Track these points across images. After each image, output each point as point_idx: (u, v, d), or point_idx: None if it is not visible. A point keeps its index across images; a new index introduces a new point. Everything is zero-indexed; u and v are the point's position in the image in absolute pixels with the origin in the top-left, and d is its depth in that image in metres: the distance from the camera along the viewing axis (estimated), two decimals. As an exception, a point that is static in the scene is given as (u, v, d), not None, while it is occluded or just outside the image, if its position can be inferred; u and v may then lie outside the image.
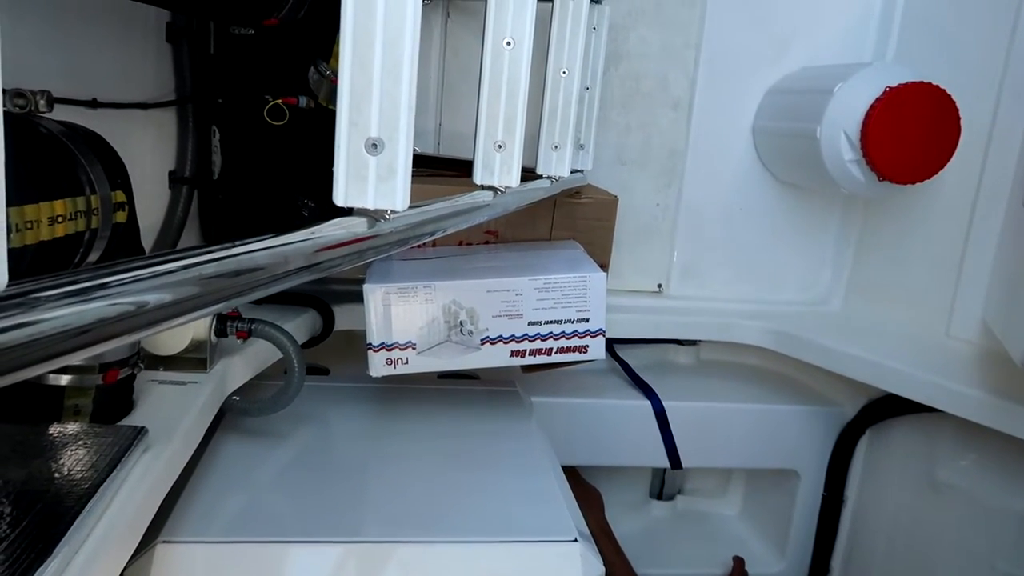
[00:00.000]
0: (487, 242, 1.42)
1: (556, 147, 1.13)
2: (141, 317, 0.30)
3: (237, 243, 0.38)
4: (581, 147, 1.46)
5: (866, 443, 1.71)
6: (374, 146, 0.51)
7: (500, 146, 0.80)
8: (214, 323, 1.11)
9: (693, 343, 1.89)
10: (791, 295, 1.83)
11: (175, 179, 1.33)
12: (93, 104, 1.13)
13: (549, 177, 1.12)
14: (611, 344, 1.78)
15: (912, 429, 1.61)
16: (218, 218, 1.36)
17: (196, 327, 1.09)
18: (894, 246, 1.69)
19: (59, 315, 0.25)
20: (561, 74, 1.12)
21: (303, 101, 1.23)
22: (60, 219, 0.63)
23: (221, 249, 0.37)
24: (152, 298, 0.30)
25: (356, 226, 0.52)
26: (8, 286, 0.24)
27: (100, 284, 0.28)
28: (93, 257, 0.71)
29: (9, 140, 0.59)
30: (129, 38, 1.24)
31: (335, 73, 1.21)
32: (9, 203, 0.63)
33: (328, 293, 1.50)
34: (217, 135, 1.33)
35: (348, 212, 0.53)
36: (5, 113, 0.85)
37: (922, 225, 1.61)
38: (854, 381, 1.61)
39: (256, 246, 0.40)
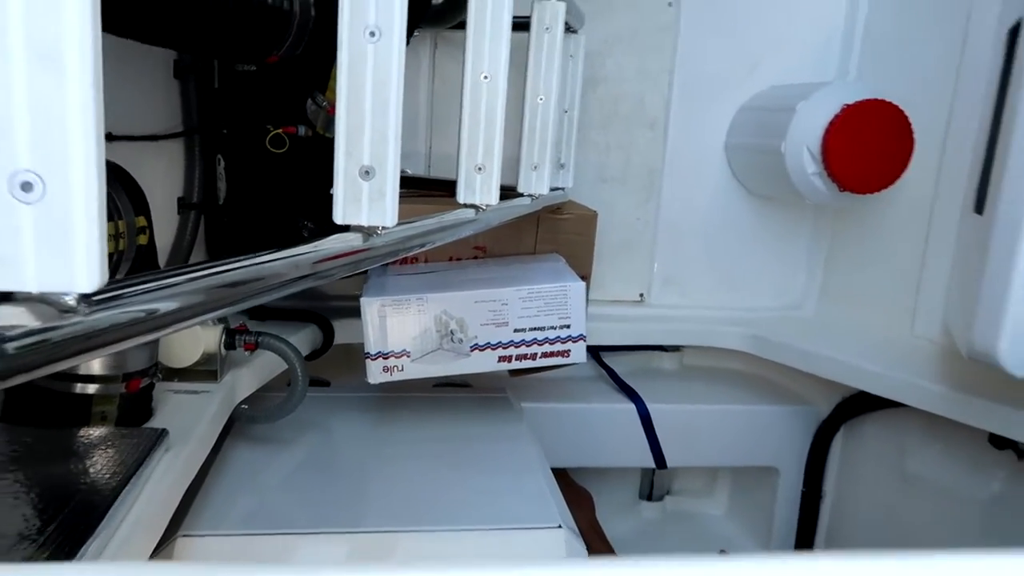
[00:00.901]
0: (476, 256, 1.51)
1: (535, 167, 1.23)
2: (191, 309, 0.39)
3: (258, 254, 0.48)
4: (562, 166, 1.56)
5: (841, 439, 1.79)
6: (367, 173, 0.60)
7: (480, 168, 0.90)
8: (223, 336, 1.20)
9: (676, 349, 1.98)
10: (767, 301, 1.92)
11: (184, 205, 1.43)
12: (109, 137, 1.22)
13: (529, 195, 1.22)
14: (597, 351, 1.88)
15: (883, 424, 1.70)
16: (224, 240, 1.45)
17: (207, 340, 1.18)
18: (862, 252, 1.79)
19: (137, 308, 0.35)
20: (539, 100, 1.22)
21: (302, 130, 1.33)
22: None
23: (244, 259, 0.46)
24: (197, 298, 0.40)
25: (353, 240, 0.62)
26: (107, 284, 0.33)
27: (168, 284, 0.37)
28: (121, 274, 0.80)
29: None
30: (139, 76, 1.34)
31: (331, 103, 1.31)
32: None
33: (327, 309, 1.60)
34: (222, 163, 1.43)
35: (346, 229, 0.63)
36: None
37: (886, 232, 1.71)
38: (828, 380, 1.71)
39: (271, 257, 0.49)
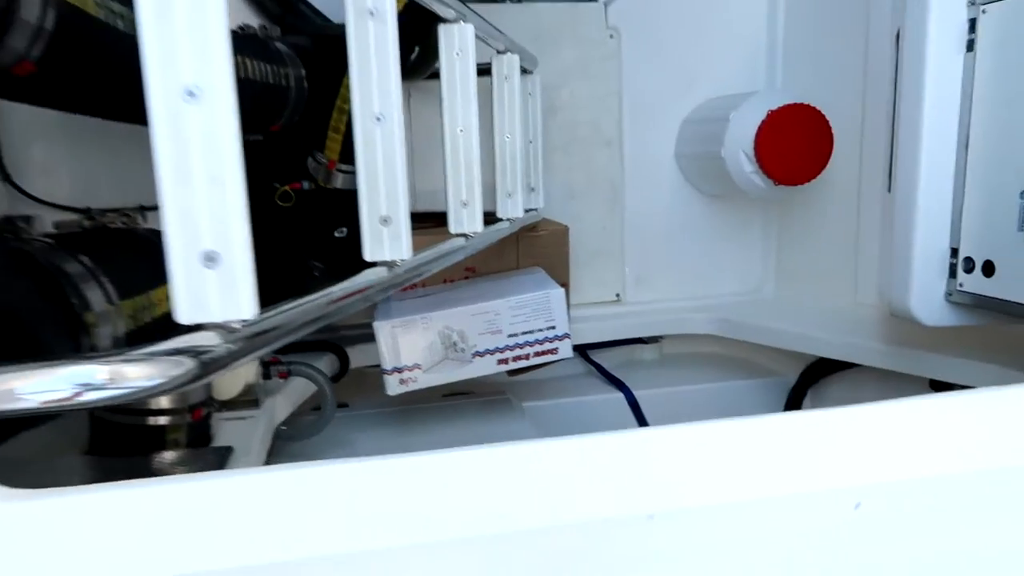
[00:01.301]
0: (467, 277, 1.72)
1: (510, 195, 1.44)
2: (299, 324, 0.59)
3: (326, 288, 0.68)
4: (532, 190, 1.77)
5: (808, 403, 2.01)
6: (386, 221, 0.81)
7: (465, 203, 1.11)
8: (260, 369, 1.39)
9: (655, 340, 2.19)
10: (731, 287, 2.14)
11: (206, 260, 1.63)
12: (141, 209, 1.42)
13: (508, 219, 1.43)
14: (583, 349, 2.08)
15: (842, 384, 1.92)
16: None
17: (247, 374, 1.38)
18: (807, 236, 2.01)
19: (270, 326, 0.55)
20: (506, 138, 1.43)
21: (306, 185, 1.53)
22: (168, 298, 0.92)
23: (320, 293, 0.67)
24: (302, 318, 0.60)
25: (379, 272, 0.82)
26: (260, 313, 0.53)
27: (287, 310, 0.58)
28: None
29: (133, 243, 0.90)
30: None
31: (329, 159, 1.52)
32: (140, 290, 0.93)
33: (340, 338, 1.79)
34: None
35: (372, 264, 0.83)
36: (126, 229, 1.15)
37: (825, 216, 1.93)
38: (791, 352, 1.92)
39: (338, 287, 0.70)
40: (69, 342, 0.74)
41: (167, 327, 0.90)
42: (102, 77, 0.83)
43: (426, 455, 0.52)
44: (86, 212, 0.99)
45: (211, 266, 0.50)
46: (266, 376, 1.40)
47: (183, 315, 0.51)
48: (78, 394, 0.48)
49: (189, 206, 0.49)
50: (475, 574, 0.52)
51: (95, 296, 0.79)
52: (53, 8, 0.71)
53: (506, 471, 0.52)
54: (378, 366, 1.63)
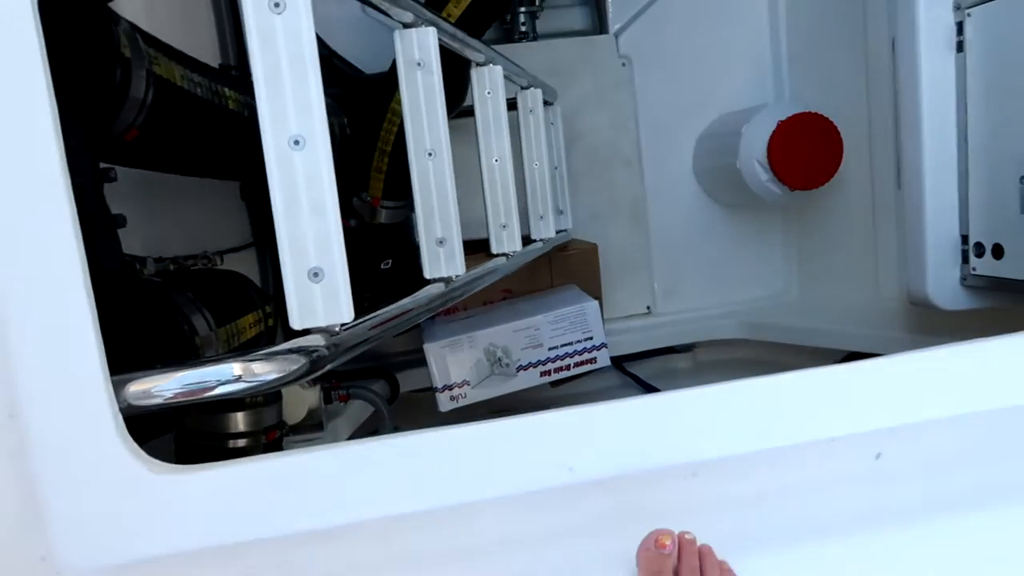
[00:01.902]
0: (504, 298, 1.83)
1: (541, 217, 1.55)
2: (382, 328, 0.71)
3: (400, 302, 0.79)
4: (561, 212, 1.89)
5: (842, 398, 2.07)
6: (441, 242, 0.92)
7: (504, 226, 1.23)
8: (321, 393, 1.51)
9: (688, 349, 2.28)
10: (757, 292, 2.22)
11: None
12: (205, 255, 1.56)
13: (541, 239, 1.54)
14: (619, 361, 2.17)
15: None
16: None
17: (310, 399, 1.49)
18: (826, 237, 2.09)
19: (362, 329, 0.66)
20: (535, 165, 1.55)
21: (353, 223, 1.66)
22: (252, 325, 1.04)
23: (394, 306, 0.78)
24: (384, 325, 0.71)
25: (439, 287, 0.94)
26: (357, 319, 0.64)
27: (373, 317, 0.69)
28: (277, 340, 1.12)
29: (221, 281, 1.03)
30: (218, 201, 1.68)
31: (373, 197, 1.65)
32: (231, 319, 1.05)
33: (388, 365, 1.91)
34: (289, 260, 1.76)
35: (431, 281, 0.94)
36: (212, 269, 1.28)
37: (842, 217, 2.01)
38: (821, 349, 1.99)
39: (409, 300, 0.81)
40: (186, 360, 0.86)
41: (255, 349, 1.01)
42: (188, 137, 0.95)
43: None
44: (172, 259, 1.12)
45: (316, 280, 0.61)
46: (327, 400, 1.51)
47: (296, 321, 0.62)
48: (217, 386, 0.59)
49: (298, 232, 0.60)
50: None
51: (200, 324, 0.91)
52: (152, 84, 0.84)
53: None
54: (426, 389, 1.74)
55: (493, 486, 0.61)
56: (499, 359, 1.57)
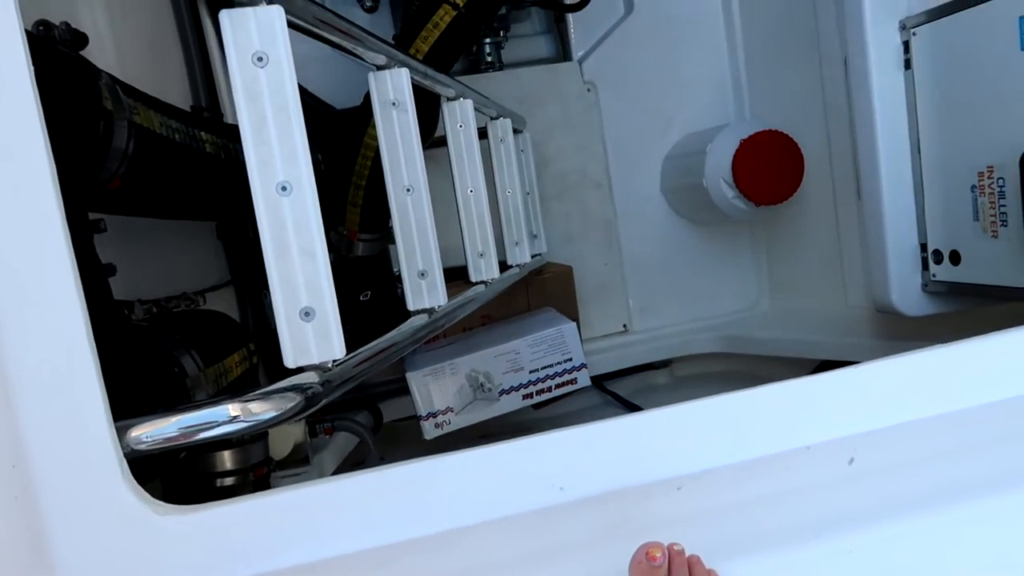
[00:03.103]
0: (483, 324, 1.85)
1: (516, 243, 1.59)
2: (369, 363, 0.73)
3: (386, 336, 0.81)
4: (535, 236, 1.92)
5: (817, 406, 2.11)
6: (423, 275, 0.95)
7: (482, 254, 1.26)
8: (307, 427, 1.52)
9: (665, 364, 2.31)
10: (730, 306, 2.27)
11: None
12: (183, 296, 1.57)
13: (517, 265, 1.57)
14: (598, 380, 2.20)
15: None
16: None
17: (295, 434, 1.50)
18: (794, 250, 2.15)
19: (353, 364, 0.68)
20: (507, 193, 1.59)
21: (331, 257, 1.68)
22: (237, 364, 1.06)
23: (381, 340, 0.80)
24: (374, 359, 0.73)
25: (422, 319, 0.96)
26: (347, 354, 0.66)
27: (361, 352, 0.71)
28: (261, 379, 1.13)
29: (205, 321, 1.04)
30: (194, 242, 1.69)
31: (348, 231, 1.67)
32: (218, 359, 1.06)
33: (371, 396, 1.92)
34: (268, 296, 1.77)
35: (414, 312, 0.97)
36: (195, 310, 1.28)
37: (808, 229, 2.07)
38: (795, 359, 2.04)
39: (395, 333, 0.83)
40: (179, 403, 0.87)
41: (243, 387, 1.03)
42: (169, 182, 0.97)
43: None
44: (154, 302, 1.13)
45: (308, 320, 0.64)
46: (312, 434, 1.52)
47: (289, 360, 0.64)
48: (216, 427, 0.61)
49: (289, 273, 0.63)
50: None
51: (189, 365, 0.92)
52: (134, 134, 0.86)
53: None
54: (409, 418, 1.75)
55: (486, 509, 0.63)
56: (481, 384, 1.60)
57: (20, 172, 0.52)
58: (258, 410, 0.61)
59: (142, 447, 0.58)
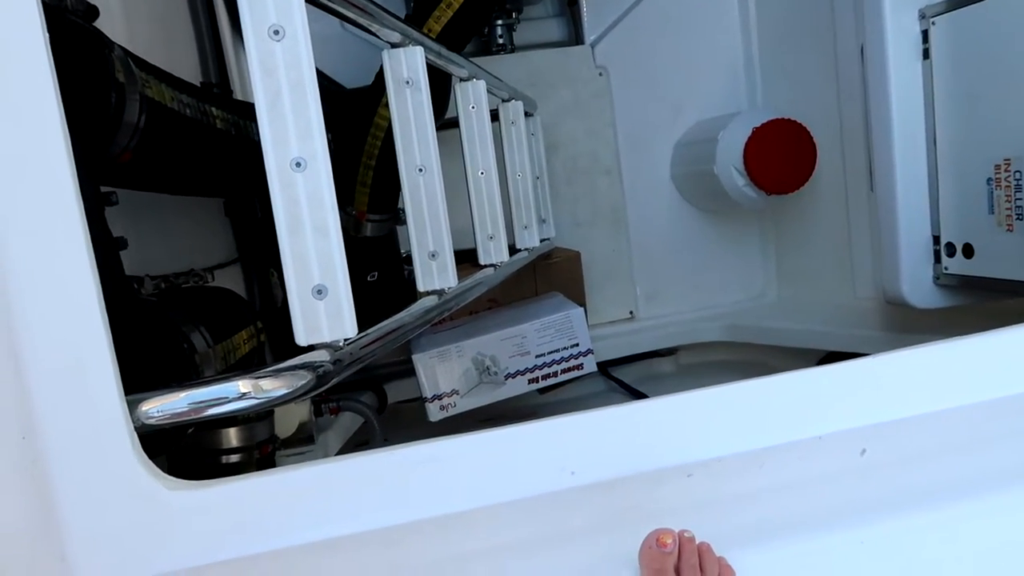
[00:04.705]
0: (490, 307, 1.85)
1: (525, 227, 1.58)
2: (381, 343, 0.72)
3: (397, 315, 0.81)
4: (544, 221, 1.91)
5: (822, 397, 2.11)
6: (433, 255, 0.94)
7: (492, 237, 1.25)
8: (311, 407, 1.52)
9: (671, 352, 2.31)
10: (737, 295, 2.26)
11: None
12: (191, 272, 1.56)
13: (526, 249, 1.56)
14: (603, 367, 2.19)
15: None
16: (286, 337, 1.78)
17: (300, 412, 1.50)
18: (803, 240, 2.14)
19: (365, 342, 0.68)
20: (517, 176, 1.57)
21: (338, 236, 1.67)
22: (245, 341, 1.06)
23: (393, 320, 0.79)
24: (385, 339, 0.73)
25: (431, 300, 0.95)
26: (358, 334, 0.66)
27: (374, 331, 0.71)
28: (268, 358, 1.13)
29: (214, 298, 1.04)
30: (203, 218, 1.68)
31: (358, 211, 1.66)
32: (226, 336, 1.06)
33: (376, 377, 1.92)
34: (275, 274, 1.77)
35: (426, 293, 0.96)
36: (204, 287, 1.28)
37: (817, 219, 2.06)
38: (802, 349, 2.03)
39: (406, 313, 0.83)
40: (188, 378, 0.87)
41: (250, 365, 1.02)
42: (179, 157, 0.97)
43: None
44: (163, 278, 1.12)
45: (320, 297, 0.63)
46: (318, 413, 1.52)
47: (301, 338, 0.64)
48: (227, 403, 0.60)
49: (302, 251, 0.62)
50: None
51: (199, 342, 0.92)
52: (145, 108, 0.85)
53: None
54: (413, 400, 1.75)
55: (496, 492, 0.63)
56: (487, 368, 1.59)
57: (34, 143, 0.51)
58: (269, 387, 0.61)
59: (152, 421, 0.58)
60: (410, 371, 1.59)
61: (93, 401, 0.53)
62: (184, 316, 0.91)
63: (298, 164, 0.61)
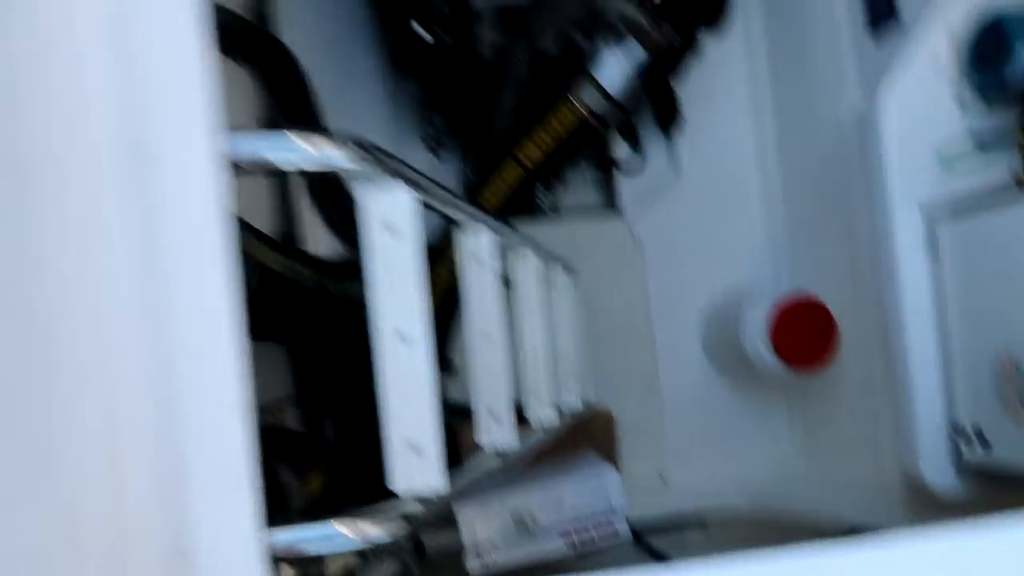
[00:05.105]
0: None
1: (567, 390, 1.70)
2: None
3: (466, 466, 0.91)
4: (581, 384, 2.02)
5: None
6: (496, 418, 1.06)
7: (540, 400, 1.37)
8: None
9: (700, 524, 2.32)
10: (765, 466, 2.30)
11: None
12: (269, 410, 1.67)
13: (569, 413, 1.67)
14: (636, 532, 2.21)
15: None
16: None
17: (347, 555, 1.55)
18: (829, 413, 2.20)
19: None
20: (560, 343, 1.71)
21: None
22: (316, 482, 1.15)
23: (467, 468, 0.90)
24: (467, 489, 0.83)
25: (495, 459, 1.06)
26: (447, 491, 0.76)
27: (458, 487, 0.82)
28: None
29: (295, 441, 1.15)
30: (262, 356, 1.81)
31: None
32: (303, 475, 1.16)
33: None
34: (328, 422, 1.87)
35: (490, 455, 1.07)
36: (285, 428, 1.39)
37: (843, 393, 2.12)
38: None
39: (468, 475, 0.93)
40: (280, 512, 0.96)
41: (319, 505, 1.11)
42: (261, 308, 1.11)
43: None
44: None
45: (416, 453, 0.75)
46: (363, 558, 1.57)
47: (399, 487, 0.75)
48: (324, 543, 0.70)
49: (402, 413, 0.74)
50: None
51: (287, 477, 1.02)
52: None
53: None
54: (446, 550, 1.79)
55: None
56: (526, 524, 1.66)
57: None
58: (370, 531, 0.71)
59: (282, 555, 0.68)
60: (441, 521, 1.65)
61: (239, 531, 0.62)
62: (273, 452, 1.02)
63: (402, 337, 0.75)
